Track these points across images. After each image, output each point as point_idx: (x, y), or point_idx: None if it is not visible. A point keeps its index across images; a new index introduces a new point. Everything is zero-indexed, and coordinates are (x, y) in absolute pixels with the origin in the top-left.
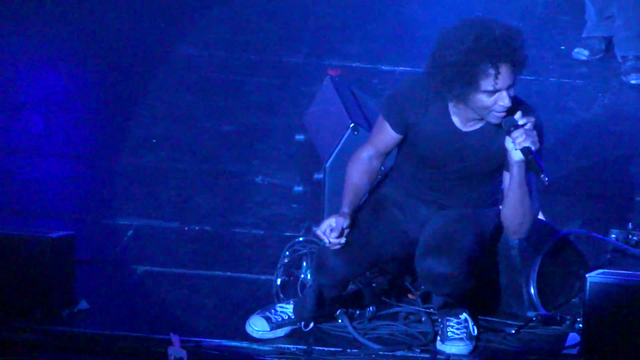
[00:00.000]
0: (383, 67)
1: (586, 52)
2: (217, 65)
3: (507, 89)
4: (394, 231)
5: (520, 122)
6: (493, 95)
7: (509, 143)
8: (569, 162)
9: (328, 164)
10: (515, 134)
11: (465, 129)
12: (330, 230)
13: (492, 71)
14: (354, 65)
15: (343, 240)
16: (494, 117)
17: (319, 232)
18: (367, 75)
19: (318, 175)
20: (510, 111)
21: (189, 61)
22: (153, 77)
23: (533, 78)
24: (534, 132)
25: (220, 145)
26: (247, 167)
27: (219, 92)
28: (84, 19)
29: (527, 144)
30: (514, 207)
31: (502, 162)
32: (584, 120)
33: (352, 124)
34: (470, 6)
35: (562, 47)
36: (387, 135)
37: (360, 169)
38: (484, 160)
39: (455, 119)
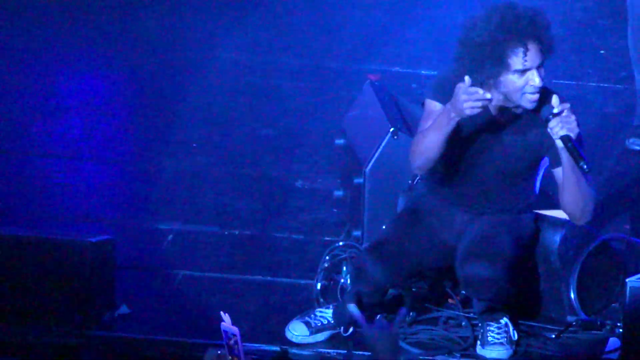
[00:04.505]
0: (422, 72)
1: None
2: (257, 69)
3: (537, 68)
4: (432, 241)
5: (556, 110)
6: (523, 75)
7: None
8: (609, 166)
9: (368, 168)
10: (552, 123)
11: (501, 119)
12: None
13: (520, 49)
14: (393, 69)
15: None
16: (527, 101)
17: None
18: (407, 79)
19: (358, 180)
20: (542, 97)
21: (229, 65)
22: (193, 81)
23: (573, 82)
24: (571, 118)
25: (259, 150)
26: (286, 172)
27: (259, 96)
28: (124, 23)
29: (564, 132)
30: (572, 192)
31: (537, 154)
32: (623, 124)
33: (392, 129)
34: None
35: (602, 52)
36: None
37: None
38: (519, 152)
39: (491, 109)
